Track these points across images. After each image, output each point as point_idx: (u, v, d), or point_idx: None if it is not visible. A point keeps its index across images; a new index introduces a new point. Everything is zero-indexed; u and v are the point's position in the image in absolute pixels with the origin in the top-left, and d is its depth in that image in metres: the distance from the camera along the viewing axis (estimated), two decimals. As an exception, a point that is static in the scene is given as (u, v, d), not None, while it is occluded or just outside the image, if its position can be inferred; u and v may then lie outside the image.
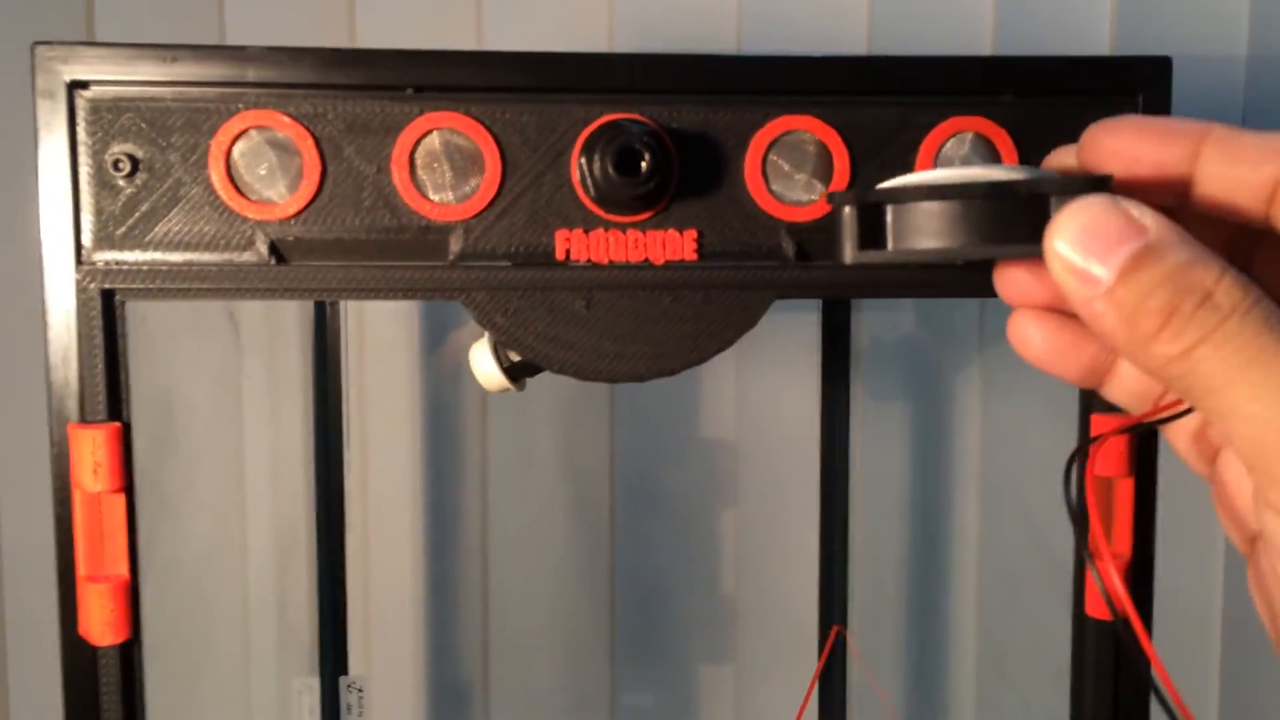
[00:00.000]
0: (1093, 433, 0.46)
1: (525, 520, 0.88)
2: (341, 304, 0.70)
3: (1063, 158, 0.30)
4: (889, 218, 0.28)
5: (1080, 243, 0.25)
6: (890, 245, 0.28)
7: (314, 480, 0.74)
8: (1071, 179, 0.27)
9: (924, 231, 0.28)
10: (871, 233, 0.28)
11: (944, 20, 0.82)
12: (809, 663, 0.73)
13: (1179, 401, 0.29)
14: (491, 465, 0.87)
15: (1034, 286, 0.30)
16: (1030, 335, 0.30)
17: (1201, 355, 0.24)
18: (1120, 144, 0.27)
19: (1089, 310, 0.25)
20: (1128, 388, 0.31)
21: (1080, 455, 0.33)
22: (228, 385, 0.84)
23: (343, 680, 0.75)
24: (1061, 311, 0.30)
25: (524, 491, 0.87)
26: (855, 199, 0.28)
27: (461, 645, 0.89)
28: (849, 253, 0.29)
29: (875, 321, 0.87)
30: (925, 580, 0.89)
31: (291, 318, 0.83)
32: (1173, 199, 0.27)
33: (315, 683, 0.76)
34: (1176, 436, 0.31)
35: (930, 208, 0.27)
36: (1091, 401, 0.47)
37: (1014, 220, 0.27)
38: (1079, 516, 0.35)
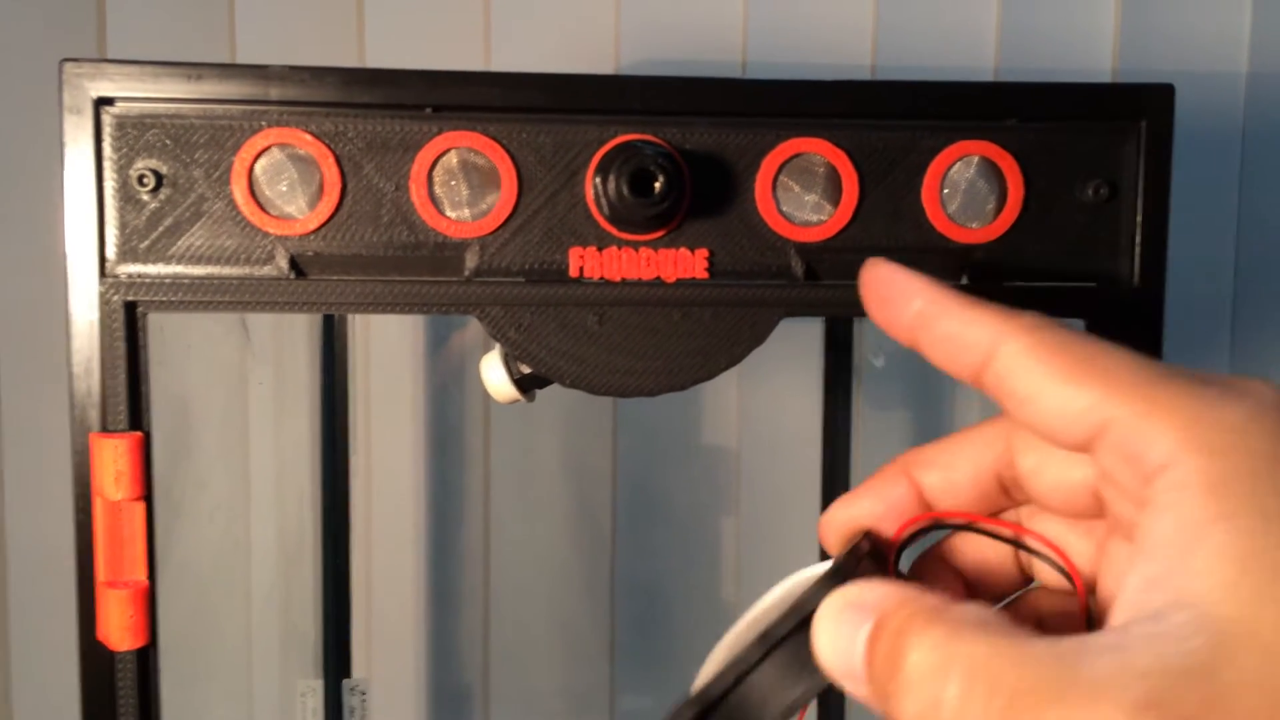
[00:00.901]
0: None
1: (527, 525, 0.89)
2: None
3: (846, 508, 0.32)
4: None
5: (832, 665, 0.26)
6: None
7: (319, 485, 0.75)
8: (814, 592, 0.28)
9: (766, 707, 0.29)
10: None
11: (948, 39, 0.83)
12: (809, 670, 0.73)
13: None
14: (494, 471, 0.88)
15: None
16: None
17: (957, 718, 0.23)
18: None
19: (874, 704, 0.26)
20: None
21: None
22: (237, 391, 0.85)
23: (346, 683, 0.76)
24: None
25: (526, 497, 0.88)
26: None
27: (463, 649, 0.90)
28: None
29: (878, 333, 0.88)
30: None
31: (301, 326, 0.84)
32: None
33: (319, 685, 0.76)
34: None
35: (749, 700, 0.29)
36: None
37: (806, 664, 0.28)
38: None
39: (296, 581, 0.86)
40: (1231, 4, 0.84)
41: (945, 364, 0.28)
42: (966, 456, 0.30)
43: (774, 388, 0.88)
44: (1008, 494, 0.31)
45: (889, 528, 0.31)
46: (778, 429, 0.88)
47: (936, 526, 0.32)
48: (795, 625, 0.28)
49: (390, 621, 0.88)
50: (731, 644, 0.31)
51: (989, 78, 0.83)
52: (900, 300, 0.29)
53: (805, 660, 0.28)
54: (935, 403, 0.89)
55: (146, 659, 0.45)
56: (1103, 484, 0.27)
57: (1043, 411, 0.26)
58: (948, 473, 0.30)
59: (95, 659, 0.44)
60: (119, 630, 0.44)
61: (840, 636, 0.26)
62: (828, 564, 0.30)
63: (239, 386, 0.85)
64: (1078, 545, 0.30)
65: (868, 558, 0.31)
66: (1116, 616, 0.23)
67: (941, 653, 0.23)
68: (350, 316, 0.71)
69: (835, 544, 0.33)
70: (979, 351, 0.27)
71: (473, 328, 0.85)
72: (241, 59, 0.80)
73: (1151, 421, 0.24)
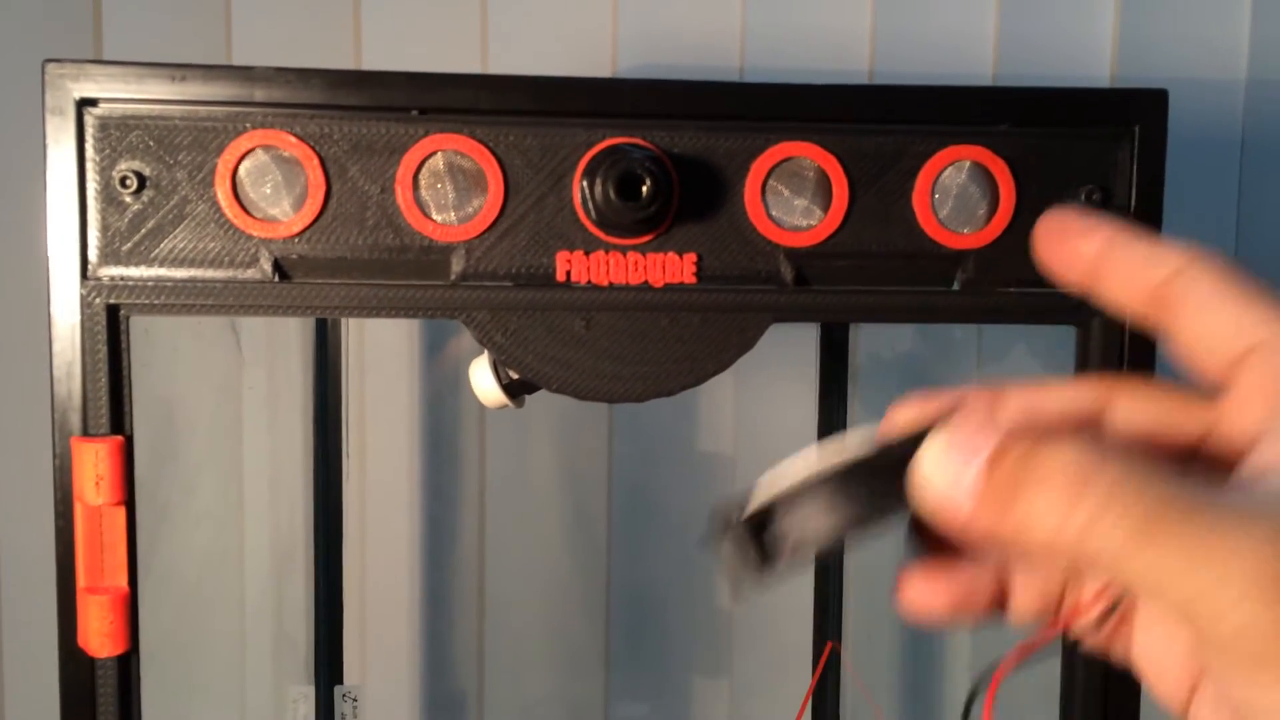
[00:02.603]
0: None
1: (522, 531, 0.88)
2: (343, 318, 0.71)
3: (906, 412, 0.31)
4: (776, 525, 0.29)
5: (935, 483, 0.26)
6: (783, 554, 0.29)
7: (312, 490, 0.74)
8: (914, 437, 0.28)
9: (807, 530, 0.28)
10: (764, 551, 0.29)
11: (946, 46, 0.83)
12: (803, 677, 0.73)
13: (1077, 608, 0.30)
14: (489, 477, 0.87)
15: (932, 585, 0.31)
16: (928, 608, 0.31)
17: (1089, 528, 0.23)
18: (1088, 252, 0.29)
19: (971, 534, 0.26)
20: (1030, 606, 0.31)
21: (981, 688, 0.34)
22: (228, 396, 0.85)
23: (338, 689, 0.75)
24: (948, 565, 0.31)
25: (521, 503, 0.88)
26: (745, 522, 0.29)
27: (457, 655, 0.89)
28: (751, 580, 0.29)
29: (873, 339, 0.87)
30: (920, 597, 0.90)
31: (293, 330, 0.83)
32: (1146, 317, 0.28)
33: (311, 692, 0.76)
34: (1086, 635, 0.32)
35: (803, 512, 0.28)
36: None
37: (885, 486, 0.28)
38: None
39: (289, 587, 0.86)
40: (1230, 11, 0.84)
41: (1127, 281, 0.28)
42: (1056, 400, 0.30)
43: (769, 393, 0.87)
44: None
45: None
46: (773, 435, 0.87)
47: None
48: (877, 455, 0.28)
49: (383, 628, 0.88)
50: (767, 482, 0.30)
51: (987, 85, 0.83)
52: (1088, 230, 0.29)
53: (881, 488, 0.28)
54: (932, 410, 0.88)
55: (128, 666, 0.45)
56: (1234, 403, 0.27)
57: (1218, 321, 0.27)
58: (1033, 410, 0.30)
59: (75, 666, 0.44)
60: (99, 636, 0.43)
61: (950, 461, 0.26)
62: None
63: (230, 391, 0.84)
64: None
65: None
66: (1243, 469, 0.25)
67: (1079, 468, 0.24)
68: (344, 320, 0.71)
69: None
70: (1171, 266, 0.27)
71: (467, 332, 0.84)
72: (238, 61, 0.80)
73: None
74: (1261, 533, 0.22)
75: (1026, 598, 0.31)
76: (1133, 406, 0.29)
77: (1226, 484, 0.24)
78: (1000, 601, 0.31)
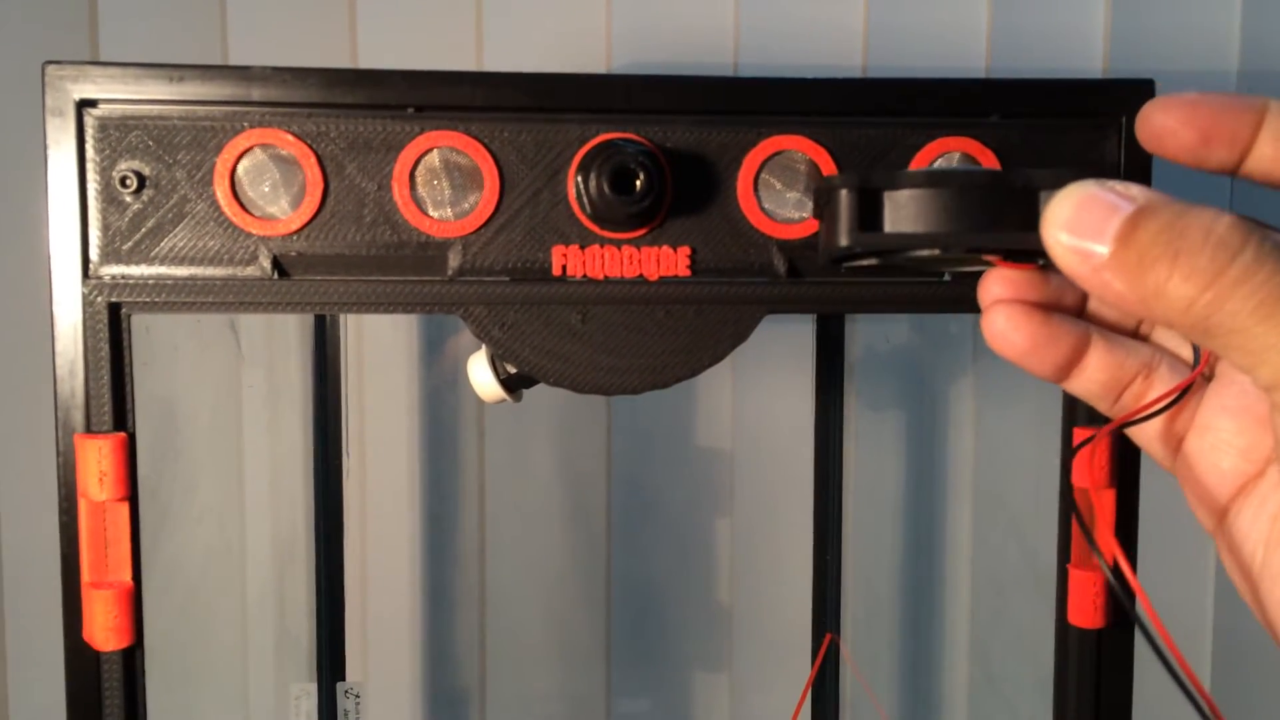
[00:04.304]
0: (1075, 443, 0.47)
1: (522, 527, 0.89)
2: (341, 315, 0.71)
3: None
4: (886, 205, 0.28)
5: (1076, 222, 0.26)
6: (888, 228, 0.28)
7: (313, 487, 0.75)
8: (1059, 172, 0.27)
9: (920, 220, 0.28)
10: (868, 220, 0.28)
11: (939, 41, 0.83)
12: (802, 669, 0.73)
13: (1147, 404, 0.30)
14: (488, 473, 0.88)
15: (1018, 282, 0.31)
16: (1008, 332, 0.31)
17: (1220, 293, 0.24)
18: (1171, 120, 0.28)
19: (1097, 281, 0.26)
20: (1096, 378, 0.32)
21: (1068, 456, 0.34)
22: (228, 394, 0.85)
23: (340, 686, 0.76)
24: (1037, 306, 0.31)
25: (521, 499, 0.88)
26: (855, 182, 0.28)
27: (458, 651, 0.90)
28: (845, 235, 0.28)
29: (869, 332, 0.88)
30: (918, 588, 0.90)
31: (292, 328, 0.84)
32: (1229, 167, 0.28)
33: (313, 688, 0.76)
34: (1140, 431, 0.32)
35: (927, 196, 0.28)
36: (1075, 415, 0.48)
37: (1007, 211, 0.27)
38: (1069, 505, 0.35)
39: (291, 584, 0.86)
40: (1221, 3, 0.85)
41: (1231, 129, 0.28)
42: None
43: (767, 388, 0.88)
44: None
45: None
46: (771, 429, 0.88)
47: None
48: (1015, 175, 0.27)
49: (385, 624, 0.88)
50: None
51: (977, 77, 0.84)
52: (1182, 101, 0.29)
53: (993, 214, 0.27)
54: (928, 402, 0.89)
55: (133, 659, 0.45)
56: None
57: None
58: None
59: (81, 659, 0.45)
60: (104, 630, 0.44)
61: (1094, 208, 0.26)
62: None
63: (229, 390, 0.85)
64: None
65: None
66: None
67: (1240, 229, 0.24)
68: (342, 318, 0.71)
69: None
70: (1257, 105, 0.27)
71: (465, 329, 0.85)
72: (234, 60, 0.80)
73: None
74: None
75: (1098, 372, 0.32)
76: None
77: None
78: (1071, 364, 0.31)
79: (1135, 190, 0.26)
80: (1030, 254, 0.29)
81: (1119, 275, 0.25)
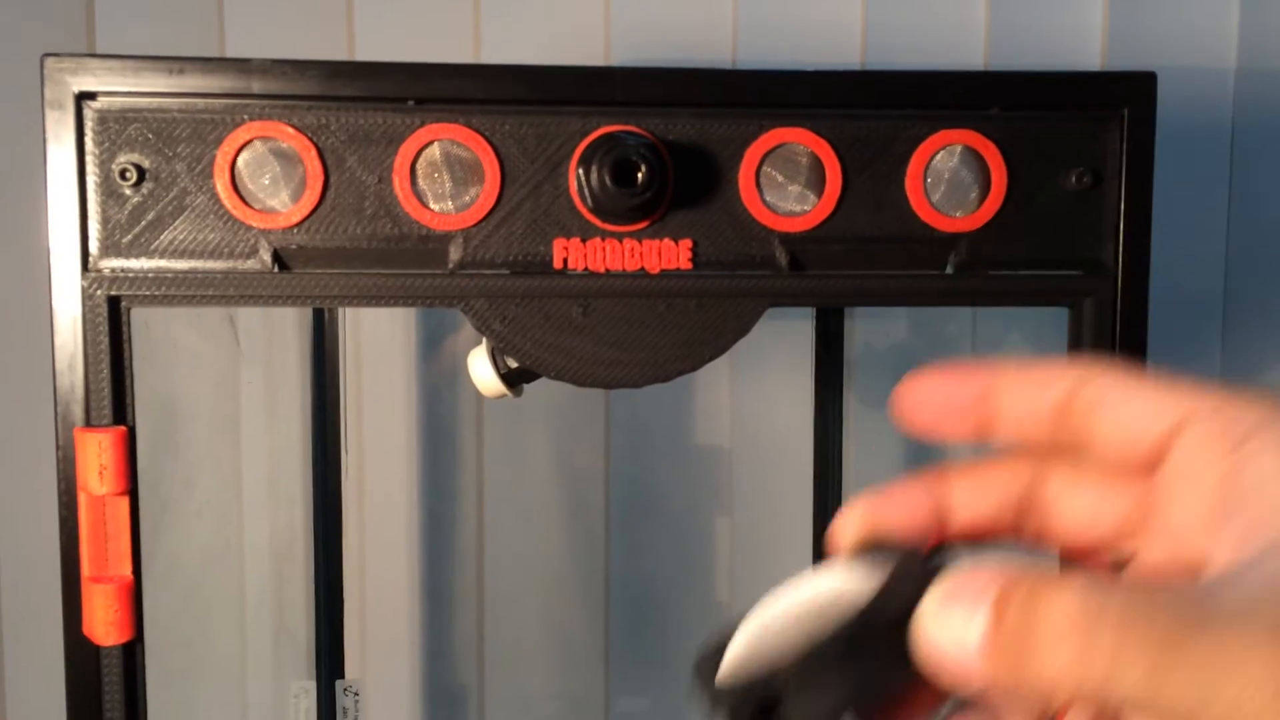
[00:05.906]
0: None
1: (520, 525, 0.88)
2: (340, 311, 0.71)
3: (850, 520, 0.31)
4: (775, 709, 0.27)
5: (942, 649, 0.25)
6: None
7: (311, 485, 0.75)
8: (906, 580, 0.27)
9: (812, 711, 0.27)
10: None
11: (937, 38, 0.83)
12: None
13: None
14: (487, 470, 0.88)
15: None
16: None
17: (1110, 669, 0.23)
18: (922, 394, 0.30)
19: (995, 690, 0.26)
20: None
21: None
22: (227, 390, 0.85)
23: (339, 684, 0.76)
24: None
25: (519, 496, 0.88)
26: (736, 694, 0.27)
27: (457, 649, 0.90)
28: None
29: (868, 329, 0.88)
30: (917, 586, 0.90)
31: (291, 324, 0.84)
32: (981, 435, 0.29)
33: (312, 686, 0.76)
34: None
35: (811, 686, 0.27)
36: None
37: (890, 654, 0.26)
38: None
39: (289, 582, 0.86)
40: (1219, 0, 0.85)
41: (1026, 408, 0.29)
42: (998, 481, 0.31)
43: (765, 386, 0.88)
44: (1020, 522, 0.31)
45: (911, 535, 0.31)
46: (770, 427, 0.88)
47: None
48: (872, 612, 0.27)
49: (384, 622, 0.88)
50: (756, 640, 0.29)
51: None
52: (959, 379, 0.30)
53: (885, 654, 0.26)
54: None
55: (133, 654, 0.45)
56: (1165, 478, 0.27)
57: (1138, 409, 0.27)
58: (977, 493, 0.31)
59: (81, 654, 0.44)
60: (104, 625, 0.44)
61: (954, 619, 0.25)
62: (839, 563, 0.29)
63: (228, 385, 0.85)
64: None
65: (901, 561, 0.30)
66: (1215, 568, 0.25)
67: (1087, 604, 0.23)
68: (341, 314, 0.71)
69: (851, 544, 0.32)
70: (1069, 379, 0.28)
71: (466, 326, 0.85)
72: (231, 53, 0.80)
73: (1236, 404, 0.26)
74: (1260, 635, 0.22)
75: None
76: (1065, 487, 0.30)
77: (1204, 581, 0.24)
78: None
79: (980, 586, 0.25)
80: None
81: (1001, 679, 0.24)
